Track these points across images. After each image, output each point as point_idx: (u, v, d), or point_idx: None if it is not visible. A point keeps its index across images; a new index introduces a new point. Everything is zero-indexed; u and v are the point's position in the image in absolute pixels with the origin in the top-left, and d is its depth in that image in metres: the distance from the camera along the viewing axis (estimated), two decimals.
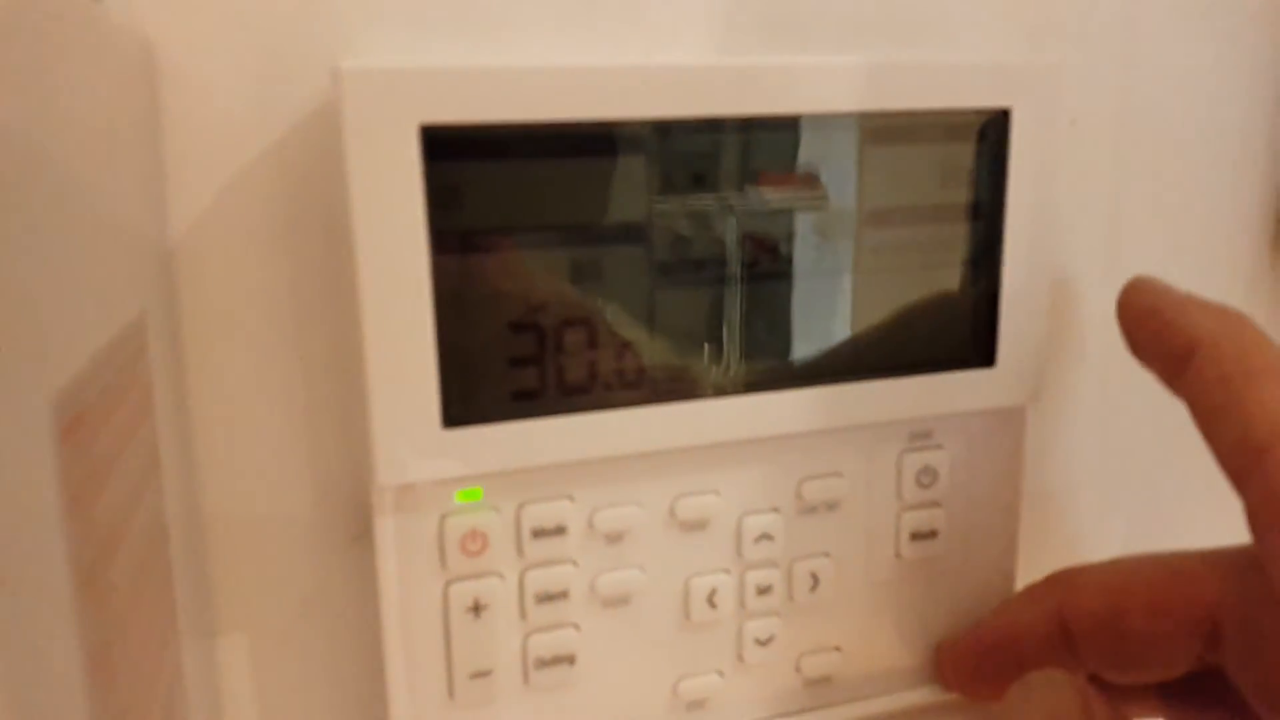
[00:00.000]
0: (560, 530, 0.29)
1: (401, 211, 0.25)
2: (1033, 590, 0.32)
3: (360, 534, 0.30)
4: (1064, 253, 0.35)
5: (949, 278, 0.31)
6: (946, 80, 0.29)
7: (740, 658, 0.31)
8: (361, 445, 0.27)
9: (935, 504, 0.33)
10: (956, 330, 0.31)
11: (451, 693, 0.29)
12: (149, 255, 0.26)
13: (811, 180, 0.29)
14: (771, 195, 0.28)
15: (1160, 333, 0.28)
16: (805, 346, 0.30)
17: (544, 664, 0.29)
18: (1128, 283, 0.30)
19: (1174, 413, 0.40)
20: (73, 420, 0.19)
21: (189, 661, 0.27)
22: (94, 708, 0.19)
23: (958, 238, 0.31)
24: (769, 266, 0.29)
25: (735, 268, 0.29)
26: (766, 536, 0.31)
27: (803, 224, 0.29)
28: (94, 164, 0.21)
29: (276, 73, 0.27)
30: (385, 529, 0.27)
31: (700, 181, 0.28)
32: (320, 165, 0.27)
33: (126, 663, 0.21)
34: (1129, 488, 0.39)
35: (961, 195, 0.30)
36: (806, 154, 0.29)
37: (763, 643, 0.31)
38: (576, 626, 0.29)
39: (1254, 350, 0.25)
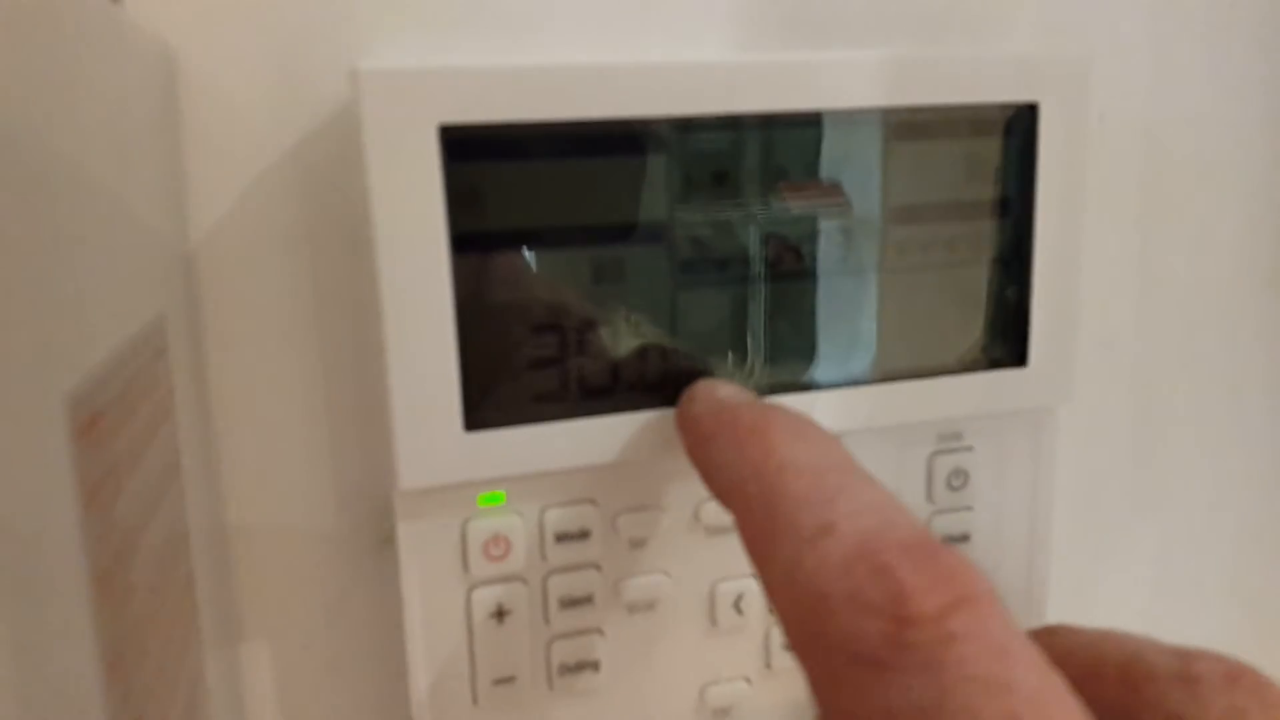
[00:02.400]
0: (583, 534, 0.28)
1: (421, 213, 0.25)
2: None
3: (383, 539, 0.30)
4: (1095, 250, 0.35)
5: (978, 276, 0.30)
6: (972, 74, 0.29)
7: (768, 664, 0.31)
8: (384, 449, 0.27)
9: (966, 507, 0.32)
10: (987, 330, 0.31)
11: (475, 699, 0.28)
12: (168, 257, 0.26)
13: (834, 189, 0.28)
14: (794, 204, 0.28)
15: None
16: (831, 347, 0.29)
17: (568, 670, 0.29)
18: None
19: (1210, 413, 0.39)
20: (89, 419, 0.19)
21: (212, 668, 0.27)
22: (111, 710, 0.19)
23: (986, 235, 0.30)
24: (793, 266, 0.28)
25: (759, 267, 0.28)
26: None
27: (827, 223, 0.29)
28: (110, 163, 0.21)
29: (295, 75, 0.27)
30: (408, 533, 0.27)
31: (723, 180, 0.28)
32: (340, 168, 0.27)
33: (145, 666, 0.21)
34: (1163, 490, 0.39)
35: (989, 192, 0.30)
36: (830, 151, 0.28)
37: None
38: (601, 632, 0.29)
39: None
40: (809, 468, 0.21)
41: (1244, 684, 0.22)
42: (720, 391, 0.26)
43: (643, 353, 0.28)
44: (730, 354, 0.28)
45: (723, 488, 0.23)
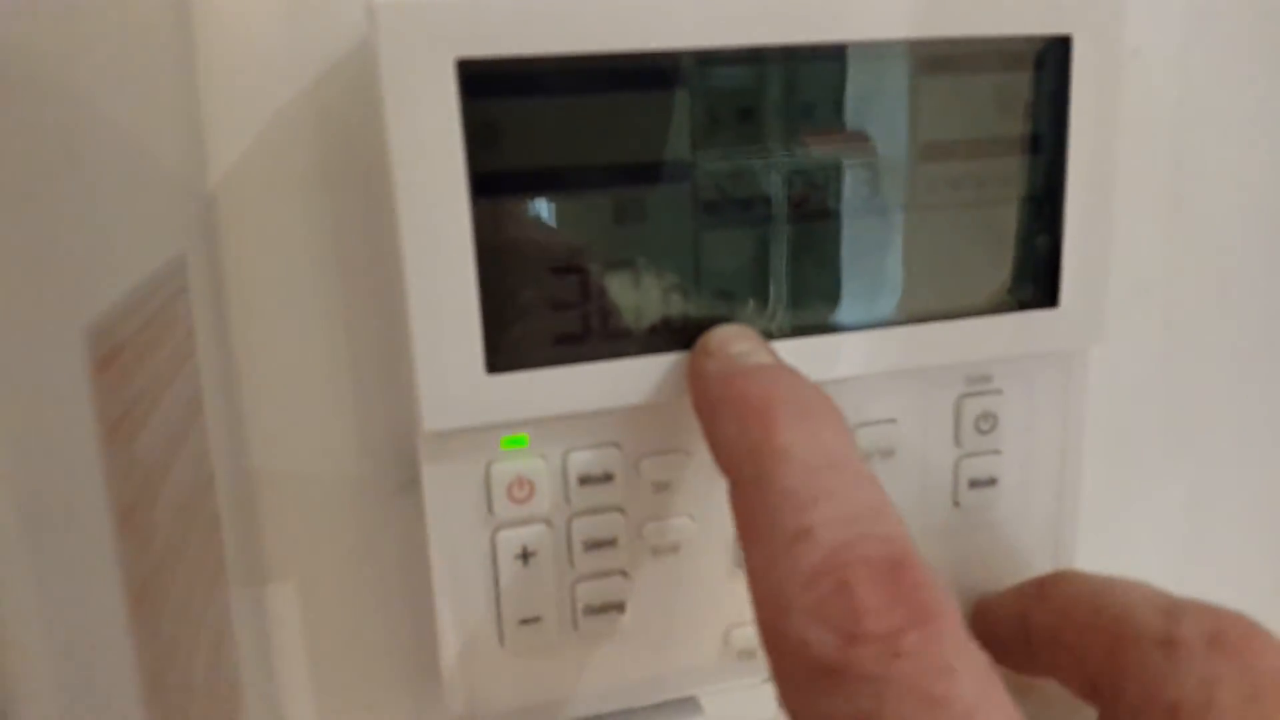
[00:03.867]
0: (607, 477, 0.28)
1: (440, 151, 0.25)
2: (1023, 586, 0.30)
3: (407, 481, 0.30)
4: (1128, 188, 0.34)
5: (1008, 214, 0.30)
6: (1003, 6, 0.28)
7: None
8: (407, 391, 0.27)
9: (995, 450, 0.31)
10: (1017, 269, 0.30)
11: (501, 639, 0.28)
12: (187, 196, 0.26)
13: (858, 136, 0.28)
14: (819, 149, 0.27)
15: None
16: (857, 287, 0.29)
17: (593, 611, 0.29)
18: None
19: (1242, 355, 0.38)
20: (109, 353, 0.19)
21: (238, 609, 0.27)
22: (138, 644, 0.19)
23: (1017, 172, 0.29)
24: (818, 205, 0.28)
25: (783, 206, 0.28)
26: None
27: (853, 161, 0.28)
28: (126, 100, 0.21)
29: (312, 10, 0.26)
30: (432, 476, 0.27)
31: (747, 117, 0.27)
32: (359, 103, 0.27)
33: (171, 604, 0.21)
34: (1195, 433, 0.38)
35: (1020, 127, 0.29)
36: (857, 86, 0.28)
37: None
38: (625, 574, 0.29)
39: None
40: (802, 461, 0.21)
41: (1225, 647, 0.22)
42: (734, 346, 0.26)
43: (665, 294, 0.27)
44: (753, 296, 0.28)
45: (721, 457, 0.24)
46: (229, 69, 0.26)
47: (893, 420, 0.30)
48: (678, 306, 0.27)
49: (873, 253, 0.29)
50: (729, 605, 0.30)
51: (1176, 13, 0.34)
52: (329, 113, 0.27)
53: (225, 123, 0.27)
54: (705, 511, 0.29)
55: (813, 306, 0.28)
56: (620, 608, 0.29)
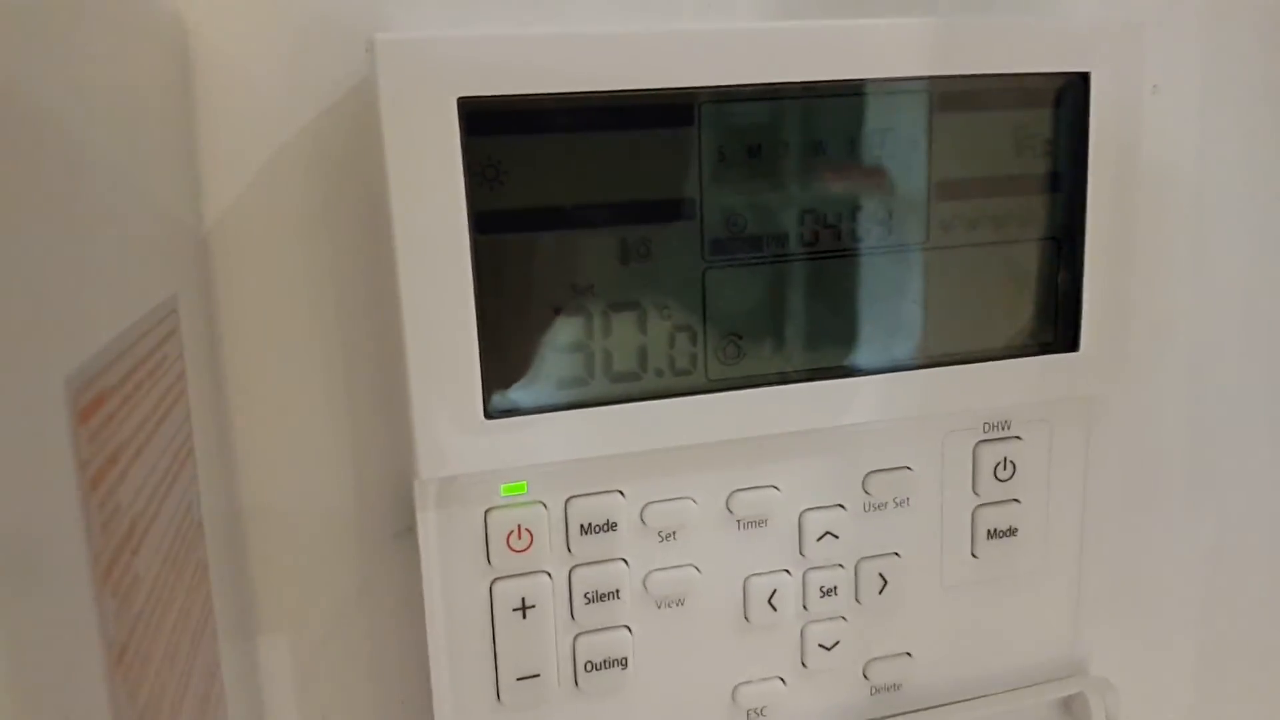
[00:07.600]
0: (610, 526, 0.27)
1: (440, 190, 0.24)
2: None
3: (404, 530, 0.29)
4: (1148, 227, 0.33)
5: (1027, 255, 0.29)
6: (1021, 43, 0.27)
7: (803, 663, 0.30)
8: (404, 436, 0.26)
9: (1014, 499, 0.30)
10: (1037, 312, 0.29)
11: (498, 696, 0.27)
12: (181, 237, 0.25)
13: (875, 171, 0.27)
14: (832, 187, 0.27)
15: None
16: (871, 330, 0.28)
17: (594, 667, 0.28)
18: None
19: (1267, 398, 0.37)
20: (92, 402, 0.18)
21: (228, 662, 0.26)
22: (115, 699, 0.18)
23: (1036, 211, 0.29)
24: (831, 244, 0.27)
25: (795, 245, 0.27)
26: (830, 534, 0.29)
27: (868, 200, 0.27)
28: (120, 141, 0.21)
29: (312, 51, 0.26)
30: (428, 524, 0.26)
31: (757, 154, 0.26)
32: (358, 144, 0.27)
33: (154, 658, 0.20)
34: (1222, 480, 0.37)
35: (1039, 166, 0.28)
36: (872, 123, 0.27)
37: (827, 648, 0.30)
38: (628, 628, 0.28)
39: None
40: None
41: None
42: None
43: (672, 336, 0.26)
44: (764, 337, 0.27)
45: None
46: (227, 107, 0.26)
47: (908, 467, 0.30)
48: (685, 348, 0.27)
49: (888, 294, 0.28)
50: (737, 661, 0.29)
51: (1195, 49, 0.33)
52: (327, 152, 0.27)
53: (222, 162, 0.26)
54: (712, 562, 0.28)
55: (826, 349, 0.28)
56: (623, 664, 0.28)
